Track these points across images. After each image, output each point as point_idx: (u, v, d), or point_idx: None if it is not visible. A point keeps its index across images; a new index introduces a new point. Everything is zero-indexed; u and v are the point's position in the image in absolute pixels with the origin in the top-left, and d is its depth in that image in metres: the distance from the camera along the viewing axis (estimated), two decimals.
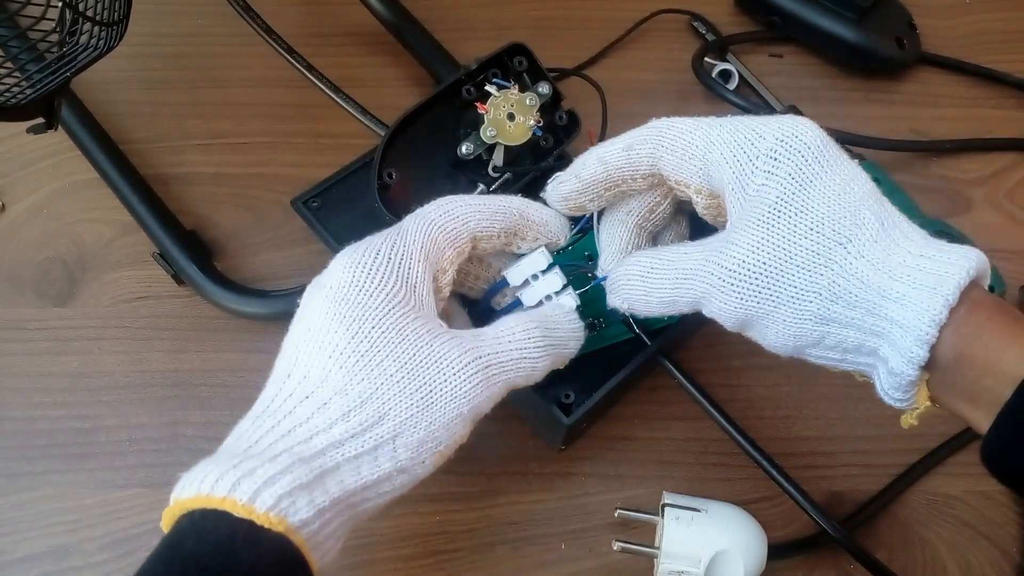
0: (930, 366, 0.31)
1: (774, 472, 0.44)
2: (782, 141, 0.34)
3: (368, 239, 0.36)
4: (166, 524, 0.29)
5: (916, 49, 0.61)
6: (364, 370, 0.32)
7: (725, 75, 0.60)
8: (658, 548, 0.42)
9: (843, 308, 0.32)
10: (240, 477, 0.28)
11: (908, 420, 0.33)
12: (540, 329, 0.37)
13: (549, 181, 0.41)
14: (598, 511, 0.45)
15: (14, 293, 0.51)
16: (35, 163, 0.55)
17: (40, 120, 0.44)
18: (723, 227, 0.36)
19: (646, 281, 0.37)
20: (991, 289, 0.48)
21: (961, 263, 0.30)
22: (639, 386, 0.48)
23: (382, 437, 0.32)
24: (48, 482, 0.45)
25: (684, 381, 0.46)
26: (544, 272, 0.40)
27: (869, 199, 0.33)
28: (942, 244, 0.32)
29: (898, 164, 0.57)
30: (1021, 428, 0.29)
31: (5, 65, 0.40)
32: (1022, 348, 0.29)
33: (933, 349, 0.30)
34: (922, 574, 0.45)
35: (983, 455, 0.30)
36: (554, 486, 0.46)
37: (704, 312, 0.36)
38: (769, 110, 0.57)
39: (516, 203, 0.39)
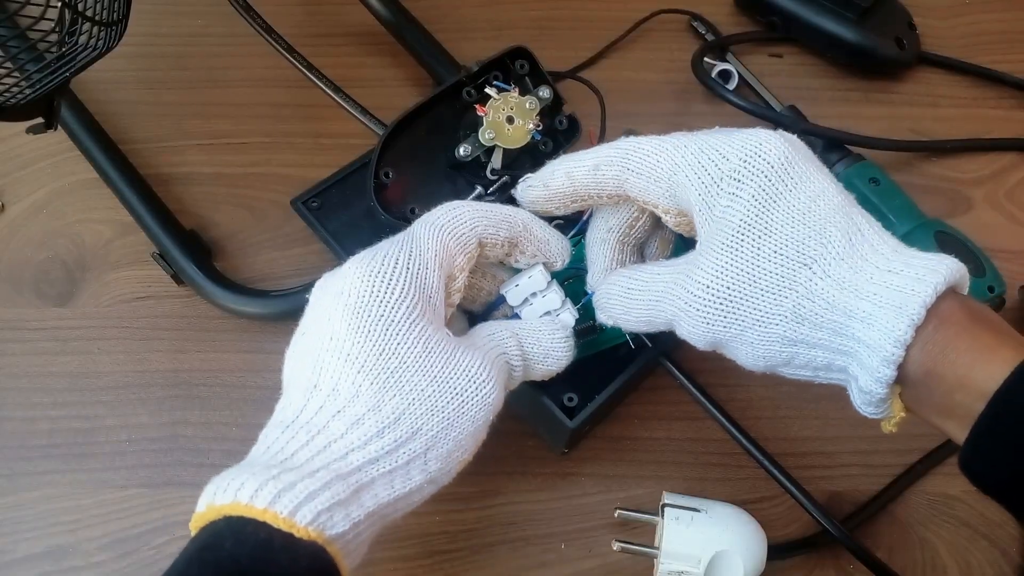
0: (900, 381, 0.31)
1: (774, 472, 0.44)
2: (745, 161, 0.33)
3: (381, 246, 0.36)
4: (195, 527, 0.29)
5: (916, 49, 0.61)
6: (395, 386, 0.32)
7: (725, 75, 0.60)
8: (658, 548, 0.42)
9: (809, 329, 0.32)
10: (281, 490, 0.29)
11: (887, 427, 0.33)
12: (515, 339, 0.38)
13: (520, 180, 0.40)
14: (598, 511, 0.45)
15: (14, 293, 0.51)
16: (35, 163, 0.55)
17: (40, 120, 0.44)
18: None
19: (624, 301, 0.38)
20: (991, 290, 0.49)
21: (928, 279, 0.30)
22: (639, 387, 0.48)
23: (415, 452, 0.32)
24: (48, 482, 0.45)
25: (684, 381, 0.46)
26: (543, 291, 0.40)
27: (836, 215, 0.32)
28: (911, 256, 0.32)
29: (898, 164, 0.57)
30: (996, 441, 0.29)
31: (5, 65, 0.39)
32: (990, 362, 0.29)
33: (901, 367, 0.30)
34: (922, 574, 0.45)
35: (961, 466, 0.31)
36: (554, 486, 0.46)
37: (677, 333, 0.36)
38: (769, 110, 0.57)
39: (522, 215, 0.39)
